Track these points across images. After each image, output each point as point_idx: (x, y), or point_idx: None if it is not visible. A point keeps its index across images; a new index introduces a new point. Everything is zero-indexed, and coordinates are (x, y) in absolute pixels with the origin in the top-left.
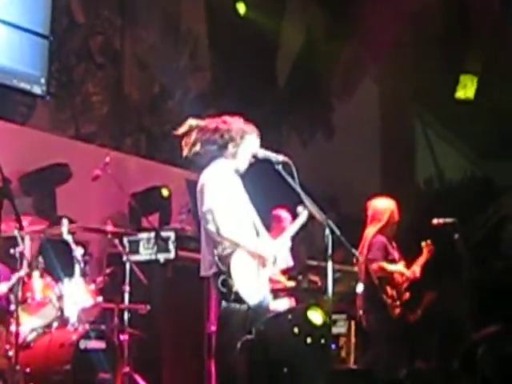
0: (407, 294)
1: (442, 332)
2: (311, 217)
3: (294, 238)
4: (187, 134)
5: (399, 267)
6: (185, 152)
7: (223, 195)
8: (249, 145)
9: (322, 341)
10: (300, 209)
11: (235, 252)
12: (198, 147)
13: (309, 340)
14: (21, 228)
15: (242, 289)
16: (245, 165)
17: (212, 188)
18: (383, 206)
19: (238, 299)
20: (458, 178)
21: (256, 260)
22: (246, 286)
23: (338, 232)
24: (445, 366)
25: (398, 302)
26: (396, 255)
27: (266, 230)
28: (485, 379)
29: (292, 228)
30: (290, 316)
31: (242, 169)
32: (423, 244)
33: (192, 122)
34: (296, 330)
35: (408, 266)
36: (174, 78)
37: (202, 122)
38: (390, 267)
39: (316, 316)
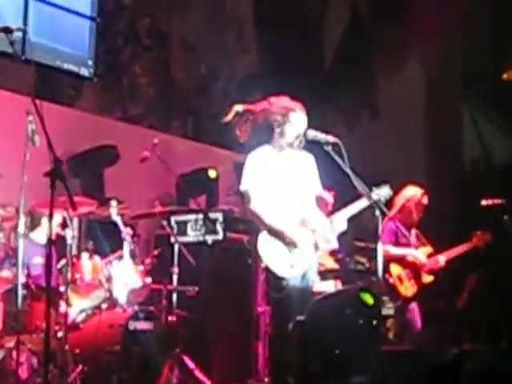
0: (428, 278)
1: (490, 314)
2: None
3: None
4: (235, 119)
5: (406, 251)
6: (242, 139)
7: (258, 178)
8: (294, 122)
9: (374, 322)
10: (364, 193)
11: (263, 230)
12: (249, 130)
13: (361, 321)
14: (74, 209)
15: (271, 263)
16: (295, 143)
17: (249, 170)
18: (401, 194)
19: (272, 274)
20: (504, 159)
21: (278, 238)
22: (275, 262)
23: (388, 213)
24: (494, 348)
25: (408, 283)
26: (414, 240)
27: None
28: None
29: (349, 210)
30: (342, 297)
31: (295, 146)
32: (477, 233)
33: (238, 107)
34: (348, 311)
35: (437, 252)
36: (221, 60)
37: (247, 106)
38: (394, 250)
39: (367, 297)
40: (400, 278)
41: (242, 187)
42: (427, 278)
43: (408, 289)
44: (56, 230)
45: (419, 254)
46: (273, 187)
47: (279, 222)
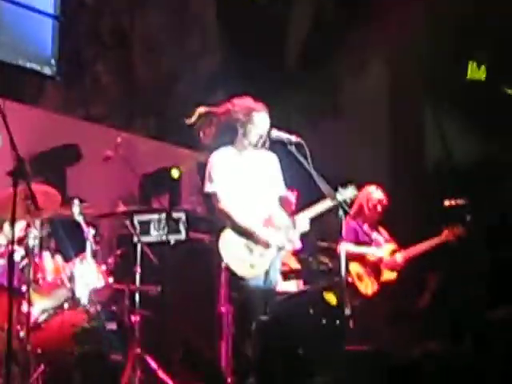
0: (390, 275)
1: (453, 313)
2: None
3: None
4: (198, 121)
5: (365, 249)
6: (206, 142)
7: (223, 178)
8: (257, 122)
9: (337, 322)
10: (328, 193)
11: (225, 229)
12: (213, 132)
13: (324, 321)
14: (37, 208)
15: (231, 263)
16: (258, 143)
17: (214, 171)
18: (362, 193)
19: (233, 273)
20: (467, 159)
21: (248, 238)
22: (235, 262)
23: (351, 212)
24: (456, 347)
25: (368, 280)
26: (379, 239)
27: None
28: (496, 358)
29: (312, 210)
30: (305, 297)
31: (259, 146)
32: (448, 227)
33: (201, 109)
34: (311, 310)
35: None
36: (184, 59)
37: (210, 109)
38: (353, 249)
39: (331, 297)
40: (359, 276)
41: (210, 188)
42: (388, 276)
43: (368, 287)
44: (18, 234)
45: (379, 251)
46: (237, 187)
47: (247, 221)
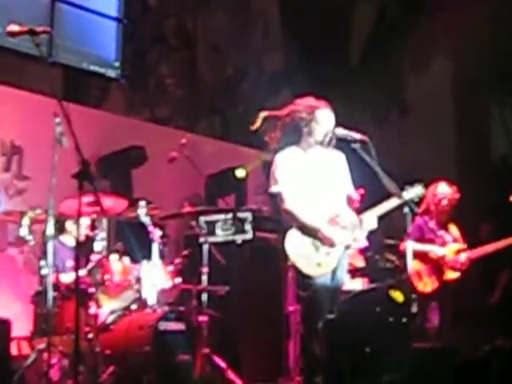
0: (452, 275)
1: None
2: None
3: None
4: (263, 126)
5: (427, 247)
6: (273, 146)
7: (288, 178)
8: (321, 119)
9: (404, 319)
10: (394, 191)
11: (291, 229)
12: (279, 136)
13: (390, 319)
14: (102, 210)
15: (298, 262)
16: (325, 141)
17: (279, 171)
18: (429, 190)
19: (300, 272)
20: None
21: (314, 237)
22: (302, 261)
23: (417, 210)
24: None
25: (428, 279)
26: (443, 236)
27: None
28: None
29: (379, 209)
30: (371, 295)
31: (325, 144)
32: None
33: (263, 113)
34: (378, 308)
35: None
36: (248, 58)
37: (273, 112)
38: (415, 246)
39: (397, 295)
40: (419, 274)
41: (274, 189)
42: (451, 275)
43: (427, 285)
44: (84, 232)
45: (442, 250)
46: (303, 187)
47: (313, 221)
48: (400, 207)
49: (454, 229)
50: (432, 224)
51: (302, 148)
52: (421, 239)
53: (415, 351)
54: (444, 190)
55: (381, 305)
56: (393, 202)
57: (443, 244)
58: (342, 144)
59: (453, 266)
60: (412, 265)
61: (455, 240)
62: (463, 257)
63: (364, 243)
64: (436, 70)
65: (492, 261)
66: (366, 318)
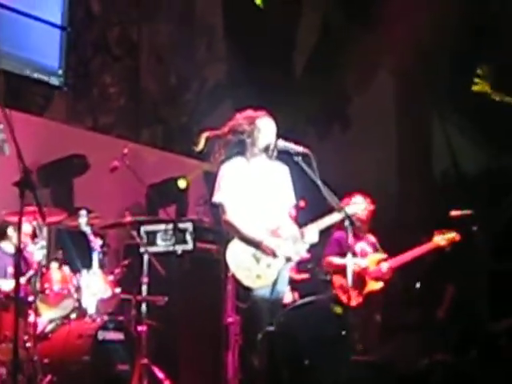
0: (375, 285)
1: (459, 323)
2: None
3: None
4: (206, 147)
5: (345, 260)
6: (216, 166)
7: (232, 188)
8: (262, 128)
9: (343, 332)
10: (336, 206)
11: (232, 240)
12: (222, 154)
13: (330, 331)
14: (43, 219)
15: (238, 273)
16: (268, 151)
17: (223, 181)
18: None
19: (240, 284)
20: (474, 170)
21: (255, 248)
22: (242, 272)
23: (357, 224)
24: (464, 357)
25: (353, 292)
26: (363, 248)
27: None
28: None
29: (321, 223)
30: (311, 307)
31: (268, 155)
32: (439, 232)
33: (205, 134)
34: (317, 320)
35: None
36: (191, 70)
37: (215, 132)
38: (336, 261)
39: (337, 307)
40: (343, 288)
41: (217, 199)
42: (373, 286)
43: (351, 299)
44: (25, 239)
45: (363, 261)
46: (246, 198)
47: (254, 232)
48: (341, 221)
49: (372, 239)
50: (349, 238)
51: (246, 159)
52: (340, 253)
53: (353, 364)
54: (358, 202)
55: (320, 317)
56: (334, 217)
57: (363, 255)
58: (284, 156)
59: (375, 276)
60: (335, 279)
61: (376, 250)
62: (385, 266)
63: (305, 255)
64: (379, 84)
65: (435, 275)
66: (305, 330)
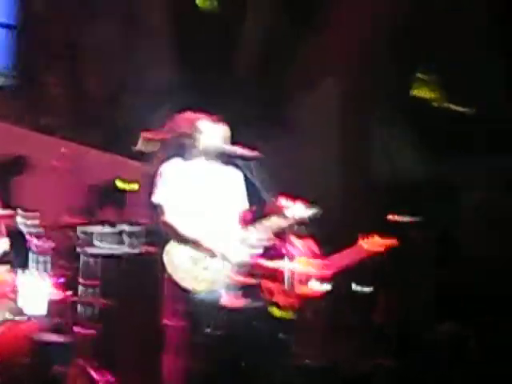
0: (304, 289)
1: (400, 329)
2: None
3: None
4: (145, 147)
5: (276, 264)
6: (157, 166)
7: (170, 189)
8: (203, 129)
9: (281, 335)
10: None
11: (169, 241)
12: (163, 157)
13: (268, 334)
14: None
15: (175, 275)
16: (209, 151)
17: (161, 182)
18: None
19: (177, 286)
20: (413, 175)
21: (193, 250)
22: (179, 274)
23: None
24: (406, 362)
25: (280, 295)
26: (290, 251)
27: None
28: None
29: (261, 225)
30: (250, 310)
31: (211, 154)
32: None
33: (145, 135)
34: (255, 323)
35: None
36: (133, 72)
37: (155, 135)
38: (265, 263)
39: (275, 310)
40: (270, 292)
41: (155, 199)
42: (304, 289)
43: (279, 301)
44: None
45: (290, 265)
46: (184, 199)
47: (192, 233)
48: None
49: (298, 243)
50: (276, 241)
51: (186, 160)
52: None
53: (293, 368)
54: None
55: (258, 320)
56: (274, 220)
57: (291, 259)
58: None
59: (301, 279)
60: (262, 283)
61: (301, 254)
62: (312, 269)
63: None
64: (321, 86)
65: (376, 279)
66: (243, 333)
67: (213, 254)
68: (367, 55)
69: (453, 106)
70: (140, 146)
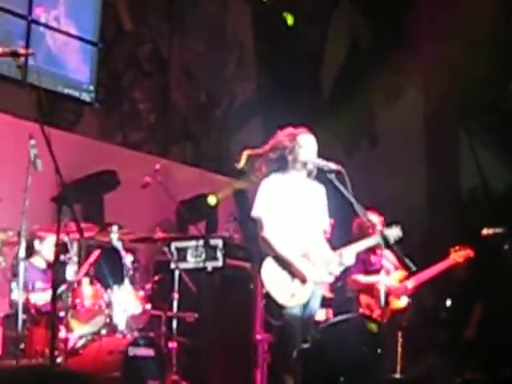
0: (399, 303)
1: (490, 342)
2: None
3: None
4: (247, 165)
5: (373, 278)
6: (259, 181)
7: (270, 205)
8: (303, 143)
9: (378, 350)
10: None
11: (268, 257)
12: (264, 172)
13: (365, 349)
14: (81, 235)
15: (272, 291)
16: (309, 166)
17: (262, 197)
18: (357, 221)
19: (273, 301)
20: (502, 188)
21: (295, 272)
22: (276, 289)
23: (391, 243)
24: (495, 376)
25: (378, 311)
26: (386, 266)
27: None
28: None
29: (359, 245)
30: (346, 325)
31: (310, 168)
32: (455, 249)
33: (247, 152)
34: (352, 339)
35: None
36: (221, 87)
37: (257, 150)
38: (362, 279)
39: (372, 325)
40: (369, 307)
41: (255, 213)
42: (397, 304)
43: (378, 316)
44: (48, 255)
45: (387, 280)
46: (283, 214)
47: (288, 253)
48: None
49: (391, 256)
50: (372, 257)
51: (287, 176)
52: (365, 271)
53: (389, 381)
54: (373, 219)
55: (355, 335)
56: (373, 240)
57: (387, 273)
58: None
59: (399, 294)
60: (362, 298)
61: (396, 267)
62: (409, 284)
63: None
64: (407, 102)
65: (464, 294)
66: (340, 348)
67: (304, 279)
68: (454, 68)
69: None
70: (242, 163)
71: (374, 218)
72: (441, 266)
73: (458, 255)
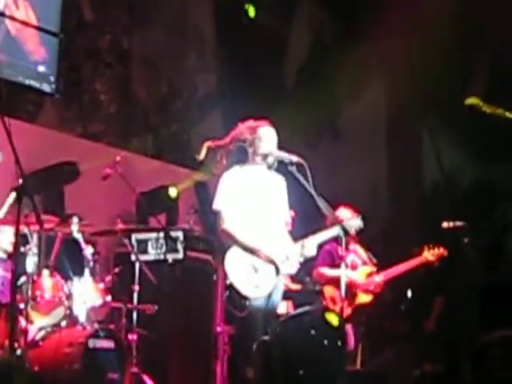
0: (365, 298)
1: (449, 335)
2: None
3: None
4: (208, 157)
5: (337, 271)
6: (219, 173)
7: (230, 197)
8: (264, 136)
9: (339, 343)
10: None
11: (231, 248)
12: (225, 164)
13: (325, 342)
14: (41, 226)
15: (236, 282)
16: (269, 161)
17: (222, 190)
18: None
19: (236, 291)
20: (464, 182)
21: (253, 258)
22: (240, 281)
23: (352, 233)
24: (454, 369)
25: (343, 304)
26: (354, 260)
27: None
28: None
29: (320, 236)
30: (306, 318)
31: (271, 160)
32: (427, 247)
33: (207, 143)
34: (313, 331)
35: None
36: (182, 78)
37: (217, 142)
38: (328, 272)
39: (332, 318)
40: (333, 300)
41: (215, 206)
42: (363, 298)
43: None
44: (7, 245)
45: (353, 274)
46: (244, 207)
47: (251, 241)
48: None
49: (361, 251)
50: (340, 250)
51: (248, 168)
52: (332, 264)
53: (348, 375)
54: (345, 214)
55: (316, 327)
56: (333, 231)
57: (354, 267)
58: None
59: (365, 288)
60: (326, 290)
61: (364, 263)
62: (376, 279)
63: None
64: (369, 96)
65: (425, 287)
66: (300, 341)
67: (272, 262)
68: (416, 65)
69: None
70: (202, 155)
71: (348, 213)
72: (412, 262)
73: (431, 253)
